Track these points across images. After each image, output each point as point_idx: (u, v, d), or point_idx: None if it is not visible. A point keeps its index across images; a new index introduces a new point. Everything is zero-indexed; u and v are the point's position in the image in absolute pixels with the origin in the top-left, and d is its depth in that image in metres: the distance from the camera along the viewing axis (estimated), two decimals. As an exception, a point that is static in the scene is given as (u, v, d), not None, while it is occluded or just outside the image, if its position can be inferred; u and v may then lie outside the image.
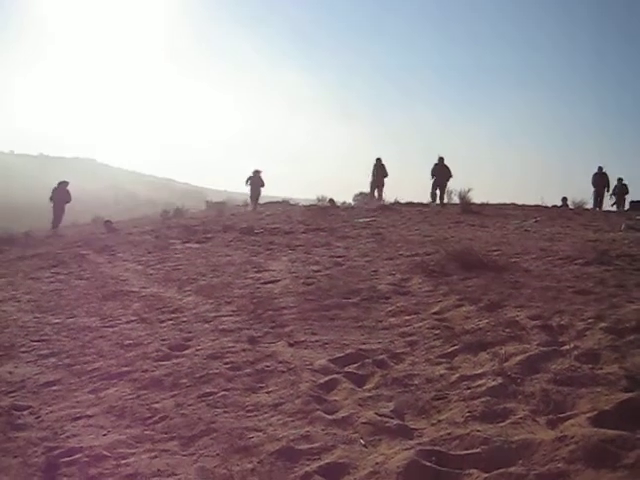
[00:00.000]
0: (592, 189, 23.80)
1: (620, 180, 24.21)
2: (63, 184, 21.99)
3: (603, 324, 4.86)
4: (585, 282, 6.70)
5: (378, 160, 24.54)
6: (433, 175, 23.11)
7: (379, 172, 24.45)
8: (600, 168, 24.19)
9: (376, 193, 24.83)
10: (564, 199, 24.59)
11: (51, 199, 21.84)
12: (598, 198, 23.63)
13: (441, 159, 23.23)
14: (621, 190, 23.94)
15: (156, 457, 3.29)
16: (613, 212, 19.18)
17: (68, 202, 21.83)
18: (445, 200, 22.52)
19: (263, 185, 26.27)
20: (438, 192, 22.97)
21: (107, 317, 6.91)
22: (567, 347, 4.43)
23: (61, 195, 21.70)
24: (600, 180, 23.82)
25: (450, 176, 22.93)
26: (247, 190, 26.41)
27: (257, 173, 26.15)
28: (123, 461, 3.24)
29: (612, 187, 23.83)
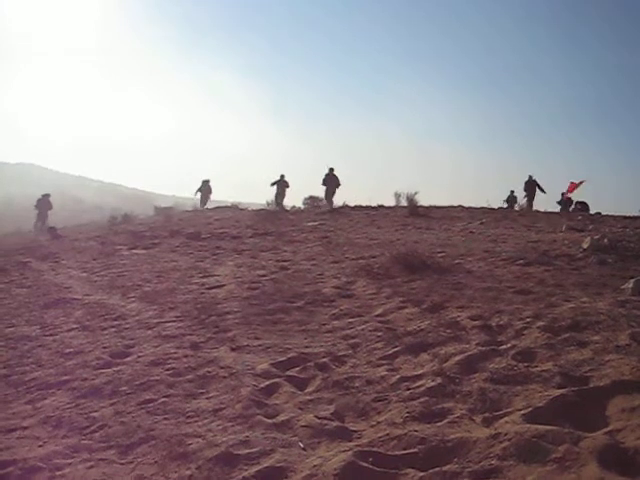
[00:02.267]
0: (523, 194, 25.83)
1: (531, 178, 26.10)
2: (46, 196, 26.33)
3: (540, 323, 4.96)
4: (525, 282, 6.84)
5: (331, 170, 25.30)
6: (324, 184, 25.05)
7: (331, 181, 25.20)
8: (530, 176, 25.97)
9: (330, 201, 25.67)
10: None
11: (36, 207, 26.13)
12: (529, 202, 25.38)
13: (331, 169, 25.03)
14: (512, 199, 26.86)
15: (93, 467, 3.24)
16: (556, 213, 19.64)
17: (50, 209, 26.20)
18: (335, 205, 24.21)
19: (211, 192, 29.49)
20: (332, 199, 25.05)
21: (48, 325, 6.78)
22: (505, 346, 4.52)
23: (44, 205, 26.01)
24: (530, 186, 25.73)
25: (339, 184, 25.01)
26: (197, 197, 29.48)
27: (206, 182, 29.28)
28: (58, 472, 3.18)
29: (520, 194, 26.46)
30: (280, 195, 26.53)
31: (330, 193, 24.99)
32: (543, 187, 25.79)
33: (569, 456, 2.70)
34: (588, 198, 24.24)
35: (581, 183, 25.58)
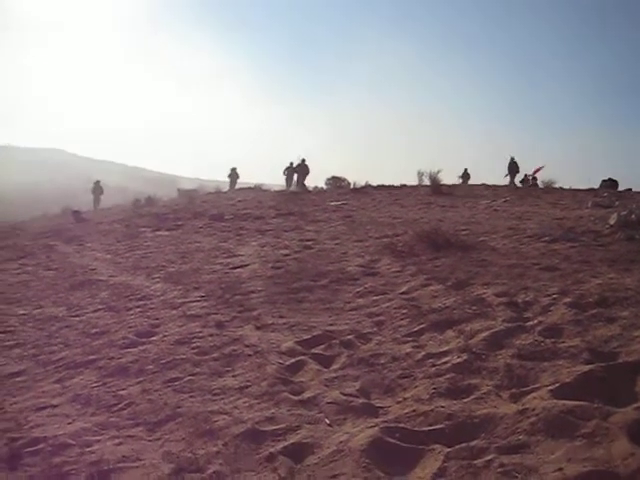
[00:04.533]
0: (506, 172, 28.02)
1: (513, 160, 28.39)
2: (98, 182, 31.84)
3: (567, 299, 4.91)
4: (551, 259, 6.76)
5: (303, 160, 29.10)
6: (295, 171, 29.03)
7: (303, 170, 29.04)
8: (512, 157, 28.21)
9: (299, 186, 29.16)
10: (534, 178, 25.35)
11: (92, 192, 31.54)
12: (512, 179, 27.81)
13: (303, 160, 28.96)
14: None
15: (121, 443, 3.27)
16: (581, 190, 19.40)
17: (102, 194, 31.45)
18: (304, 188, 27.66)
19: (238, 177, 32.82)
20: (299, 183, 28.90)
21: (74, 306, 6.85)
22: (531, 323, 4.47)
23: (97, 190, 31.39)
24: (513, 167, 28.01)
25: (308, 172, 28.87)
26: (227, 181, 33.02)
27: (234, 169, 32.50)
28: (87, 449, 3.20)
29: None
30: (300, 178, 29.02)
31: (302, 179, 28.64)
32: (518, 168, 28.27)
33: (599, 431, 2.67)
34: (618, 175, 24.05)
35: (541, 168, 28.66)
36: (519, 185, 26.47)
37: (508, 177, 27.80)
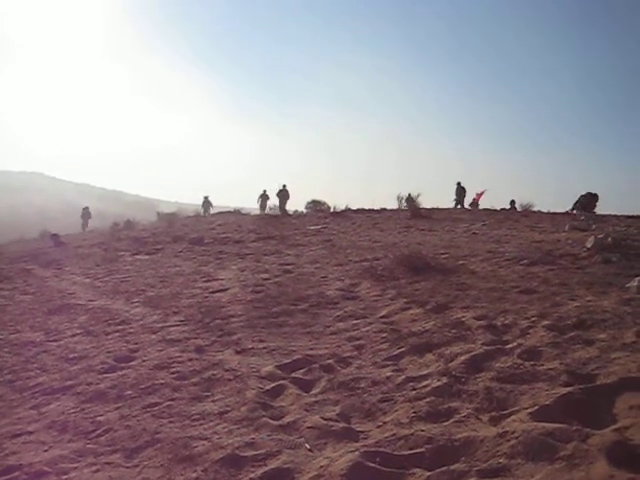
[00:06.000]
0: (454, 197, 29.43)
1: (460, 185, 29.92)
2: (86, 208, 34.61)
3: (546, 322, 4.94)
4: (529, 282, 6.81)
5: (284, 186, 30.60)
6: (277, 196, 30.48)
7: (283, 195, 30.43)
8: (459, 183, 29.65)
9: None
10: (512, 202, 25.56)
11: (81, 217, 34.04)
12: (459, 204, 29.12)
13: (284, 186, 30.57)
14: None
15: (99, 470, 3.23)
16: (558, 214, 19.60)
17: (90, 218, 34.14)
18: (285, 212, 28.55)
19: (212, 205, 35.42)
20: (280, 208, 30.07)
21: (52, 331, 6.78)
22: (510, 345, 4.49)
23: (86, 215, 34.02)
24: (460, 191, 29.47)
25: (289, 197, 30.49)
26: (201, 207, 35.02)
27: (207, 197, 35.17)
28: (64, 476, 3.17)
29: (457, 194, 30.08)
30: (282, 203, 30.11)
31: (283, 204, 30.00)
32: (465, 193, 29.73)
33: (578, 453, 2.68)
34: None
35: (484, 192, 30.54)
36: (468, 208, 27.35)
37: (456, 201, 29.06)
